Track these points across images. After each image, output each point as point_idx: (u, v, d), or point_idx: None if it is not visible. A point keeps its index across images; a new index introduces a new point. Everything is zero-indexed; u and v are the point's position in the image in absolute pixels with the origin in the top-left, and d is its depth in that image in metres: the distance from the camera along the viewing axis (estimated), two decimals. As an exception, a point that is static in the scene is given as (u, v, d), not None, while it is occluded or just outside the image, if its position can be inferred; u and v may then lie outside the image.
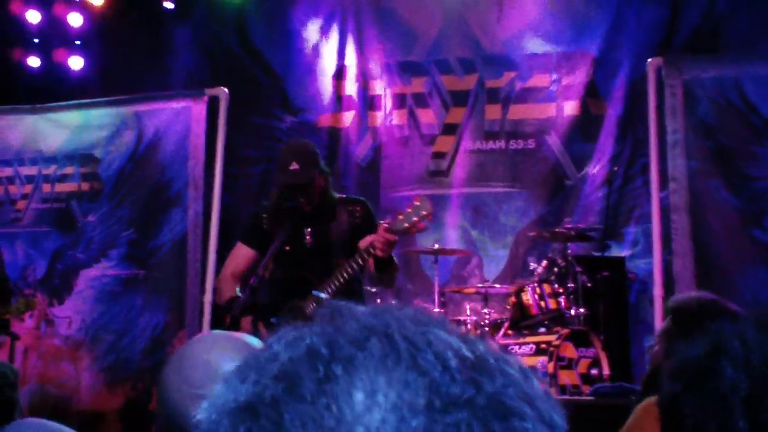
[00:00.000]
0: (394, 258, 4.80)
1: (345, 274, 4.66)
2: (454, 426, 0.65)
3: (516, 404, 0.68)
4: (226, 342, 1.90)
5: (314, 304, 4.71)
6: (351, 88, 8.83)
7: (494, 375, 0.69)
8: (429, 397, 0.66)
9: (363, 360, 0.68)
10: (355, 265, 4.64)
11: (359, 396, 0.66)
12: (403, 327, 0.70)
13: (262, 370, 0.69)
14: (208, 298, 7.12)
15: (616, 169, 7.68)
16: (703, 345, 1.39)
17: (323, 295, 4.65)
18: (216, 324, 6.66)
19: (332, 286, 4.68)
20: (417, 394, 0.66)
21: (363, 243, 4.63)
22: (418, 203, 4.65)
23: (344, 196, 5.20)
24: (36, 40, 9.44)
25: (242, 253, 5.12)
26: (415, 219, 4.59)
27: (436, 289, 7.32)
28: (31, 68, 9.42)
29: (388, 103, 8.74)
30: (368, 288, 6.53)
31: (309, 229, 4.92)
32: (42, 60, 9.41)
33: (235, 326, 4.73)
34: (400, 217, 4.63)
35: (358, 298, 4.98)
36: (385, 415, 0.66)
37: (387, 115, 8.74)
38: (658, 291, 6.72)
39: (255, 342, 1.91)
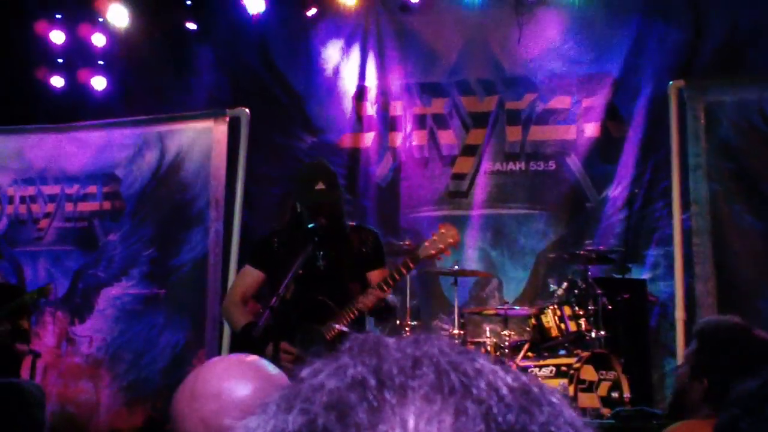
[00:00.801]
0: (389, 301, 4.85)
1: (355, 312, 4.71)
2: None
3: None
4: (238, 368, 1.85)
5: (335, 335, 4.72)
6: (371, 108, 8.86)
7: (542, 404, 0.69)
8: (486, 425, 0.66)
9: (417, 388, 0.67)
10: (353, 314, 4.70)
11: (413, 423, 0.66)
12: (448, 356, 0.71)
13: (310, 400, 0.69)
14: (227, 318, 7.13)
15: (636, 191, 7.66)
16: (762, 377, 1.57)
17: (344, 328, 4.69)
18: (235, 343, 6.65)
19: (347, 319, 4.72)
20: (474, 422, 0.66)
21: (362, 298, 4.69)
22: (444, 230, 4.68)
23: (357, 224, 5.21)
24: (60, 60, 9.51)
25: (251, 277, 5.12)
26: (441, 246, 4.65)
27: (456, 311, 7.29)
28: (55, 88, 9.49)
29: (408, 123, 8.76)
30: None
31: (321, 252, 4.93)
32: (66, 80, 9.49)
33: (259, 349, 4.74)
34: (427, 243, 4.68)
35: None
36: None
37: (407, 136, 8.75)
38: (680, 314, 6.69)
39: (269, 367, 1.88)
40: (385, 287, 4.65)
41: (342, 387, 0.68)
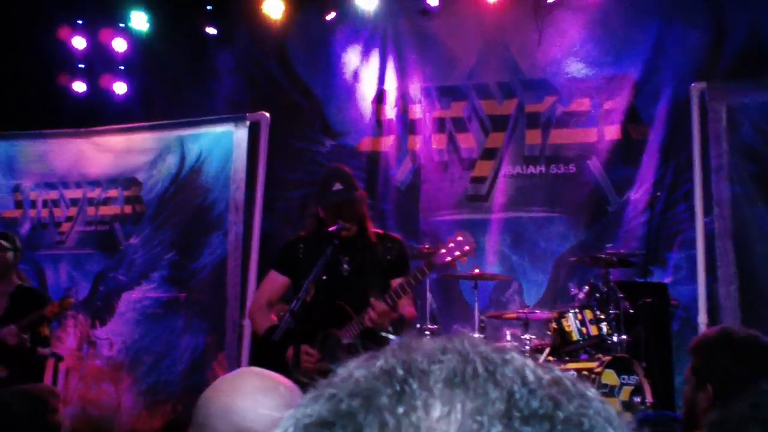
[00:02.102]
0: (405, 319, 4.86)
1: (361, 325, 4.72)
2: None
3: (597, 424, 0.69)
4: (268, 381, 1.91)
5: (351, 340, 4.74)
6: (391, 112, 8.86)
7: (573, 395, 0.70)
8: (508, 409, 0.67)
9: (438, 373, 0.69)
10: (363, 324, 4.74)
11: (436, 405, 0.67)
12: (478, 347, 0.72)
13: (337, 388, 0.71)
14: (247, 321, 7.15)
15: (658, 194, 7.62)
16: (743, 403, 1.49)
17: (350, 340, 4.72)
18: (256, 346, 6.66)
19: (354, 331, 4.73)
20: (494, 404, 0.67)
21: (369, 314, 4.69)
22: (461, 238, 4.69)
23: (382, 231, 5.22)
24: (82, 66, 9.59)
25: (277, 282, 5.15)
26: (457, 254, 4.67)
27: (476, 315, 7.28)
28: (77, 93, 9.57)
29: (427, 127, 8.75)
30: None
31: (346, 258, 4.94)
32: (87, 85, 9.56)
33: (279, 352, 4.76)
34: (443, 250, 4.69)
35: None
36: (463, 423, 0.66)
37: (426, 139, 8.74)
38: (702, 318, 6.65)
39: (286, 385, 1.92)
40: (389, 300, 4.65)
41: (369, 376, 0.71)
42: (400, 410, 0.67)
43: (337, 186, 4.85)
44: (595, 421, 0.69)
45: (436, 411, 0.67)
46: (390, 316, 4.70)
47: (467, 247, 4.68)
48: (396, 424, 0.66)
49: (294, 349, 4.71)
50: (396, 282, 4.80)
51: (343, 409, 0.69)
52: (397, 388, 0.69)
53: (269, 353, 4.83)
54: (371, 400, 0.68)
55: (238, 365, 7.23)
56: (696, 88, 6.94)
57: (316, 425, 0.70)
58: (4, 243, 6.58)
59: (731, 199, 6.66)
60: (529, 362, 0.71)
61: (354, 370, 0.73)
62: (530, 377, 0.69)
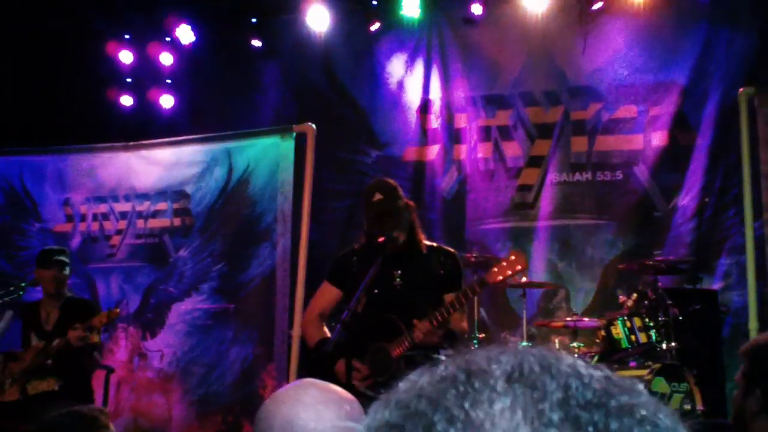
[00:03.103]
0: (457, 334, 4.86)
1: (408, 342, 4.73)
2: (591, 424, 0.70)
3: (649, 415, 0.72)
4: (315, 399, 1.93)
5: (401, 353, 4.75)
6: (436, 121, 8.87)
7: (624, 389, 0.74)
8: (565, 398, 0.71)
9: (498, 371, 0.73)
10: (409, 343, 4.73)
11: (499, 398, 0.71)
12: (532, 350, 0.77)
13: (405, 394, 0.76)
14: (296, 332, 7.18)
15: (707, 200, 7.55)
16: None
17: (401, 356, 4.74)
18: (306, 358, 6.69)
19: (403, 347, 4.75)
20: (553, 395, 0.71)
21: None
22: (513, 257, 4.70)
23: (436, 245, 5.20)
24: (129, 80, 9.72)
25: (329, 294, 5.16)
26: (509, 273, 4.68)
27: (524, 323, 7.27)
28: (125, 107, 9.70)
29: (472, 136, 8.75)
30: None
31: (399, 272, 4.95)
32: (135, 99, 9.69)
33: (330, 365, 4.78)
34: (495, 269, 4.70)
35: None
36: (526, 412, 0.70)
37: (472, 148, 8.74)
38: (753, 324, 6.57)
39: (346, 397, 1.95)
40: (436, 320, 4.65)
41: (433, 381, 0.75)
42: (467, 405, 0.71)
43: (377, 197, 4.88)
44: (648, 412, 0.72)
45: (500, 403, 0.71)
46: (437, 333, 4.70)
47: (519, 267, 4.70)
48: (465, 417, 0.70)
49: (345, 363, 4.72)
50: (449, 297, 4.80)
51: (411, 411, 0.73)
52: (461, 388, 0.73)
53: (320, 365, 4.85)
54: (438, 400, 0.72)
55: (287, 376, 7.26)
56: (744, 92, 6.86)
57: (387, 428, 0.74)
58: (64, 259, 6.70)
59: (781, 204, 6.58)
60: (580, 361, 0.76)
61: (417, 378, 0.77)
62: (583, 372, 0.74)
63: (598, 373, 0.74)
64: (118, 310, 6.43)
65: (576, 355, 0.82)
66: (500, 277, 4.70)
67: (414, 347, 4.71)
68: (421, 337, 4.62)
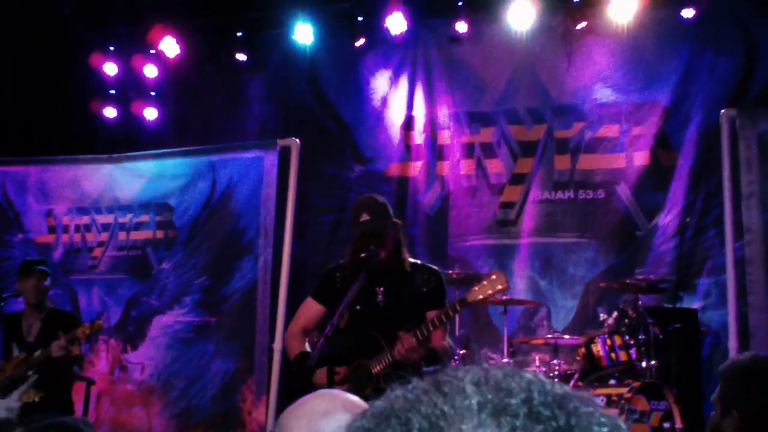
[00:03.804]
0: (439, 353, 4.85)
1: (390, 359, 4.72)
2: (552, 419, 0.76)
3: (607, 418, 0.79)
4: (334, 409, 1.97)
5: (380, 370, 4.75)
6: (419, 137, 8.90)
7: (581, 397, 0.80)
8: (528, 397, 0.78)
9: (467, 377, 0.81)
10: (392, 359, 4.72)
11: (469, 394, 0.78)
12: (497, 366, 0.84)
13: (380, 404, 0.83)
14: (277, 345, 7.17)
15: (688, 219, 7.60)
16: None
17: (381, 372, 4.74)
18: (286, 371, 6.69)
19: (383, 364, 4.74)
20: (517, 394, 0.78)
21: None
22: (494, 277, 4.70)
23: (420, 262, 5.21)
24: (113, 92, 9.70)
25: (313, 310, 5.16)
26: (489, 292, 4.67)
27: (505, 340, 7.29)
28: (108, 119, 9.68)
29: (456, 152, 8.78)
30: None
31: (381, 289, 4.95)
32: (119, 111, 9.68)
33: (310, 377, 4.79)
34: (476, 288, 4.70)
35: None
36: (493, 406, 0.77)
37: (455, 165, 8.77)
38: (733, 344, 6.61)
39: (362, 405, 1.96)
40: (420, 335, 4.65)
41: (407, 392, 0.82)
42: (440, 400, 0.78)
43: (365, 217, 4.87)
44: (604, 416, 0.79)
45: (469, 401, 0.78)
46: (418, 351, 4.69)
47: (500, 287, 4.69)
48: (439, 412, 0.77)
49: (328, 370, 4.74)
50: (432, 314, 4.80)
51: (387, 414, 0.80)
52: (433, 393, 0.80)
53: (301, 378, 4.86)
54: (413, 404, 0.79)
55: (267, 390, 7.25)
56: (726, 114, 6.92)
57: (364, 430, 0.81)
58: (45, 269, 6.69)
59: (762, 226, 6.62)
60: (540, 374, 0.83)
61: (390, 393, 0.83)
62: (544, 380, 0.81)
63: (557, 384, 0.81)
64: (100, 322, 6.41)
65: (554, 377, 0.86)
66: (481, 296, 4.69)
67: (395, 364, 4.70)
68: (402, 352, 4.60)
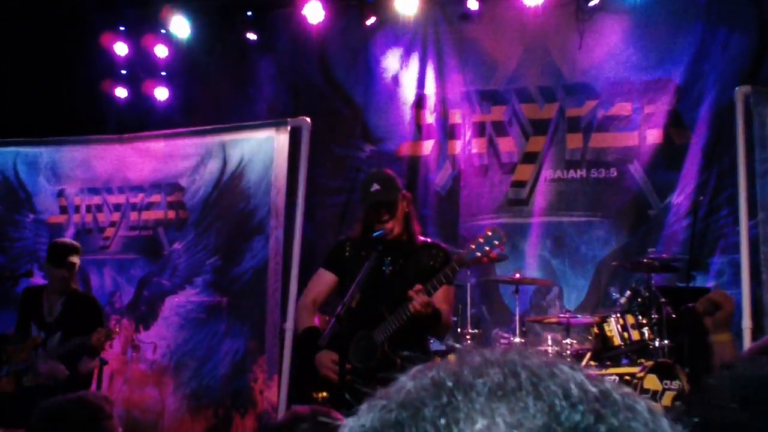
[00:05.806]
0: (442, 314, 4.81)
1: (397, 322, 4.70)
2: None
3: None
4: None
5: (384, 339, 4.74)
6: (430, 117, 8.87)
7: (619, 409, 0.71)
8: (548, 423, 0.68)
9: (482, 386, 0.71)
10: (403, 317, 4.68)
11: (479, 419, 0.69)
12: (527, 360, 0.74)
13: (390, 399, 0.74)
14: (288, 324, 7.17)
15: (701, 198, 7.55)
16: None
17: (379, 338, 4.73)
18: (295, 346, 6.69)
19: (388, 331, 4.73)
20: (535, 418, 0.69)
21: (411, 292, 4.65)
22: (490, 233, 4.68)
23: (431, 240, 5.21)
24: (124, 72, 9.69)
25: (324, 280, 5.18)
26: (486, 248, 4.63)
27: (517, 319, 7.28)
28: (119, 99, 9.68)
29: (467, 131, 8.74)
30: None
31: (389, 259, 4.96)
32: (129, 91, 9.67)
33: (311, 354, 4.82)
34: (472, 246, 4.68)
35: (420, 342, 5.03)
36: None
37: (466, 144, 8.74)
38: (746, 323, 6.56)
39: None
40: (431, 289, 4.63)
41: (419, 387, 0.74)
42: (443, 422, 0.70)
43: (375, 187, 4.89)
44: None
45: (478, 424, 0.69)
46: (427, 308, 4.64)
47: (497, 242, 4.65)
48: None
49: (340, 358, 4.72)
50: (438, 291, 4.78)
51: (391, 420, 0.72)
52: (444, 400, 0.71)
53: (308, 357, 4.89)
54: (418, 411, 0.71)
55: (279, 369, 7.25)
56: (740, 92, 6.84)
57: None
58: (76, 261, 6.62)
59: (777, 204, 6.58)
60: (578, 375, 0.73)
61: (407, 380, 0.75)
62: (574, 391, 0.71)
63: (593, 390, 0.72)
64: (118, 330, 6.44)
65: (575, 363, 0.78)
66: (478, 253, 4.64)
67: (398, 332, 4.68)
68: (418, 307, 4.57)
